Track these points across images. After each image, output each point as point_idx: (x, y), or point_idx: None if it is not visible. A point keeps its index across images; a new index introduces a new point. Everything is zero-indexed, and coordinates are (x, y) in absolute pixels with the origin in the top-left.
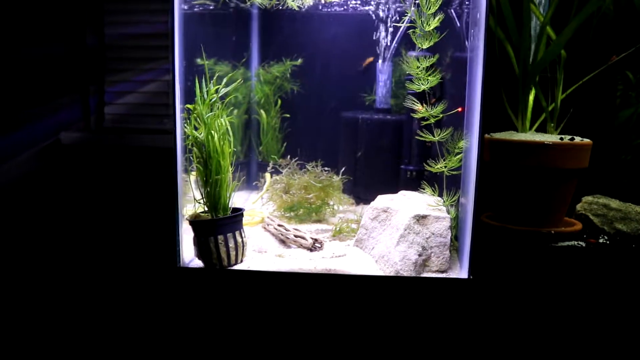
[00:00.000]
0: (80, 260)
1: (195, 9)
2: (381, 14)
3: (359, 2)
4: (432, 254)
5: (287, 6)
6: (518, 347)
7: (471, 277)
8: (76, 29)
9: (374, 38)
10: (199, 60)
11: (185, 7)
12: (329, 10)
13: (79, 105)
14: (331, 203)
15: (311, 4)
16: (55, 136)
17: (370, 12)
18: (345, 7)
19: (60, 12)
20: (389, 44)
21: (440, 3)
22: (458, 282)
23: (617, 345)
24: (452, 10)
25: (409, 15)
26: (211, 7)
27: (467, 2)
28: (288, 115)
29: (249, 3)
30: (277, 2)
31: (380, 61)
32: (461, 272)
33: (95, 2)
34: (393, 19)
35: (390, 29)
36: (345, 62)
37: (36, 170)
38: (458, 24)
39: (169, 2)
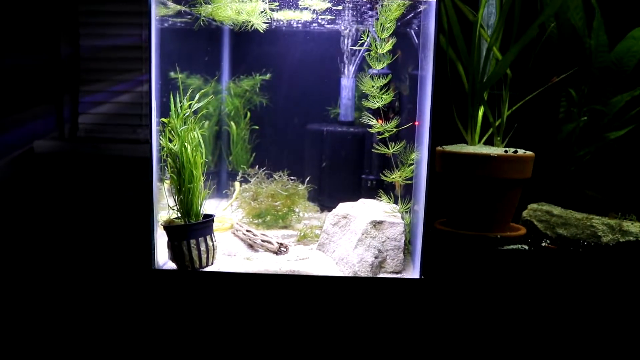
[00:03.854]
0: (57, 265)
1: (168, 25)
2: (345, 33)
3: (324, 21)
4: (388, 257)
5: (254, 27)
6: (464, 340)
7: (422, 277)
8: (51, 40)
9: (339, 55)
10: (172, 74)
11: (160, 23)
12: (297, 28)
13: (52, 114)
14: (297, 210)
15: (282, 21)
16: (29, 145)
17: (335, 31)
18: (312, 26)
19: (35, 23)
20: (351, 61)
21: (392, 30)
22: (410, 281)
23: (554, 335)
24: (412, 30)
25: (365, 39)
26: (184, 23)
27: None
28: (257, 127)
29: (219, 23)
30: (244, 25)
31: (343, 77)
32: (414, 272)
33: (70, 14)
34: (355, 38)
35: (352, 49)
36: (311, 78)
37: (9, 179)
38: (417, 42)
39: (143, 16)
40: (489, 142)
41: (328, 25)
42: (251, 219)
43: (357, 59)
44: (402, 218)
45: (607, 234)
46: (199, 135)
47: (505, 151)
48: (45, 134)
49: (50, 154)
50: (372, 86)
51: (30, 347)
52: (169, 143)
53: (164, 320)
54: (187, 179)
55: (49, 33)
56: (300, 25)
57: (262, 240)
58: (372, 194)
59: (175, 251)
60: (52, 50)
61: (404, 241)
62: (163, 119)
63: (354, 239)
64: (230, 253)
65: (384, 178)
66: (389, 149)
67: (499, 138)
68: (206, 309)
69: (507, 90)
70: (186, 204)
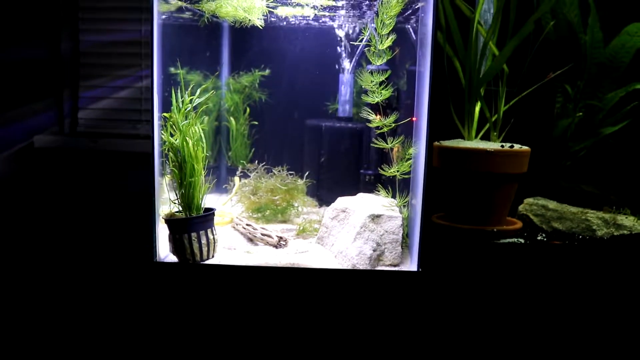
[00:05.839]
0: (59, 258)
1: (168, 21)
2: (344, 29)
3: (323, 17)
4: (386, 250)
5: (253, 24)
6: (461, 332)
7: (420, 270)
8: (51, 35)
9: (337, 51)
10: (172, 70)
11: (160, 18)
12: (296, 24)
13: (52, 109)
14: (296, 205)
15: (282, 17)
16: (29, 140)
17: (334, 27)
18: (311, 22)
19: (35, 18)
20: (350, 57)
21: (392, 27)
22: (408, 274)
23: (549, 326)
24: (410, 27)
25: (365, 34)
26: (183, 19)
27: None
28: (256, 123)
29: (220, 19)
30: (244, 21)
31: (342, 73)
32: (411, 265)
33: (70, 9)
34: (354, 34)
35: (351, 44)
36: (310, 73)
37: (9, 174)
38: (414, 38)
39: (142, 12)
40: (486, 138)
41: (327, 22)
42: (251, 213)
43: (356, 55)
44: (400, 212)
45: (601, 227)
46: (200, 129)
47: (502, 146)
48: (45, 129)
49: (50, 148)
50: (372, 81)
51: (33, 338)
52: (170, 137)
53: (166, 313)
54: (188, 173)
55: (49, 28)
56: (299, 21)
57: (262, 234)
58: (370, 188)
59: (176, 244)
60: (52, 46)
61: (402, 234)
62: (165, 114)
63: (353, 232)
64: (230, 246)
65: (382, 172)
66: (387, 144)
67: (495, 133)
68: (207, 301)
69: (503, 86)
70: (187, 197)
